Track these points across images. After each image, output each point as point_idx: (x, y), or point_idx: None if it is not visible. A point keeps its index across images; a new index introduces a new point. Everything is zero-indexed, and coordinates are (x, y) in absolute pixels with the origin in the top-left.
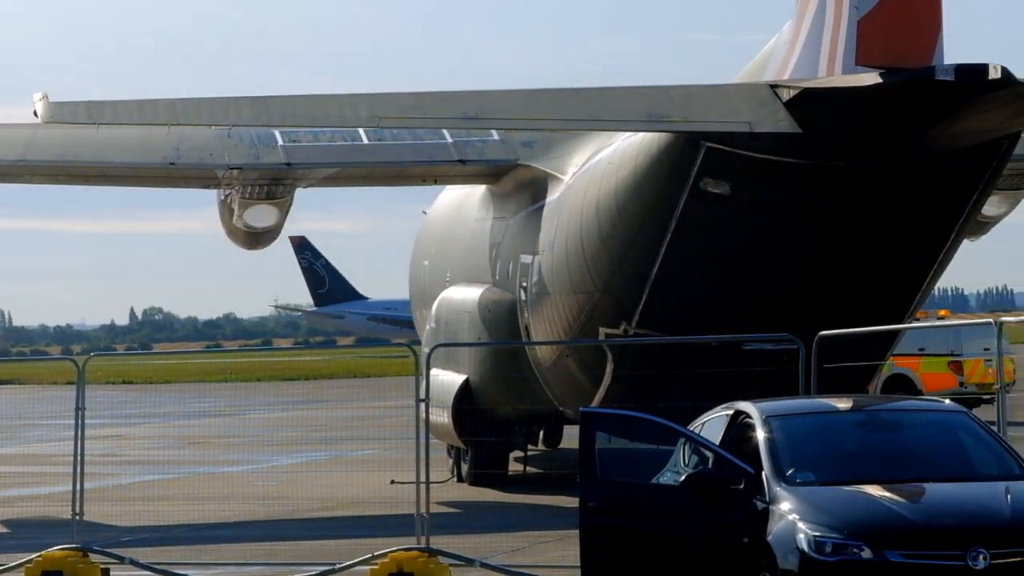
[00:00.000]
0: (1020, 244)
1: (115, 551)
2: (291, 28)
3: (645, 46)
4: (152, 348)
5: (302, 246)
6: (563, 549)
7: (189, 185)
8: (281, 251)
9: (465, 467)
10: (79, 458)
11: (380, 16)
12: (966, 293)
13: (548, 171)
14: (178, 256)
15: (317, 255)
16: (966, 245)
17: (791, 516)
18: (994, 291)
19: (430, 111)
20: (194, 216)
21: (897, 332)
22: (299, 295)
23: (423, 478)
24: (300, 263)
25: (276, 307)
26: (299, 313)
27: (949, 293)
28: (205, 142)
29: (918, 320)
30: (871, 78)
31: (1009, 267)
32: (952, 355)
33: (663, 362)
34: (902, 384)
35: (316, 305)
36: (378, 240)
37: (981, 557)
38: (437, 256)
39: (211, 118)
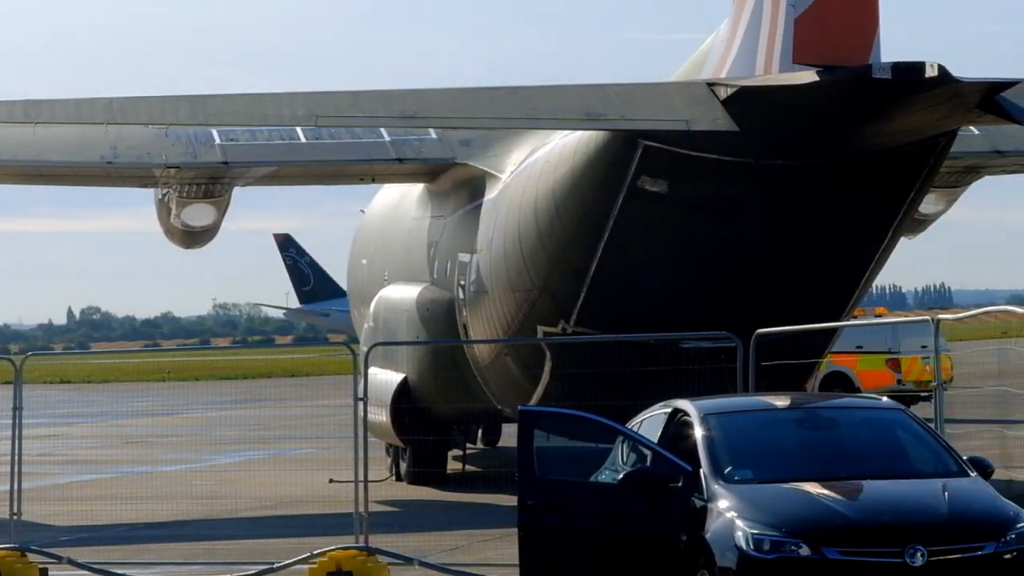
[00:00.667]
0: (958, 242)
1: (53, 551)
2: (229, 27)
3: (583, 44)
4: (90, 347)
5: (286, 244)
6: (502, 548)
7: (127, 184)
8: (220, 249)
9: (404, 466)
10: (16, 458)
11: (318, 15)
12: (904, 291)
13: (486, 169)
14: (116, 255)
15: (301, 252)
16: (904, 243)
17: (729, 514)
18: (932, 289)
19: (368, 110)
20: (132, 215)
21: (835, 330)
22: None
23: (361, 477)
24: (284, 261)
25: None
26: (284, 311)
27: (887, 291)
28: (142, 141)
29: (856, 318)
30: (808, 76)
31: (947, 265)
32: (890, 353)
33: (601, 360)
34: (840, 382)
35: (301, 303)
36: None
37: (919, 554)
38: (375, 255)
39: (148, 117)
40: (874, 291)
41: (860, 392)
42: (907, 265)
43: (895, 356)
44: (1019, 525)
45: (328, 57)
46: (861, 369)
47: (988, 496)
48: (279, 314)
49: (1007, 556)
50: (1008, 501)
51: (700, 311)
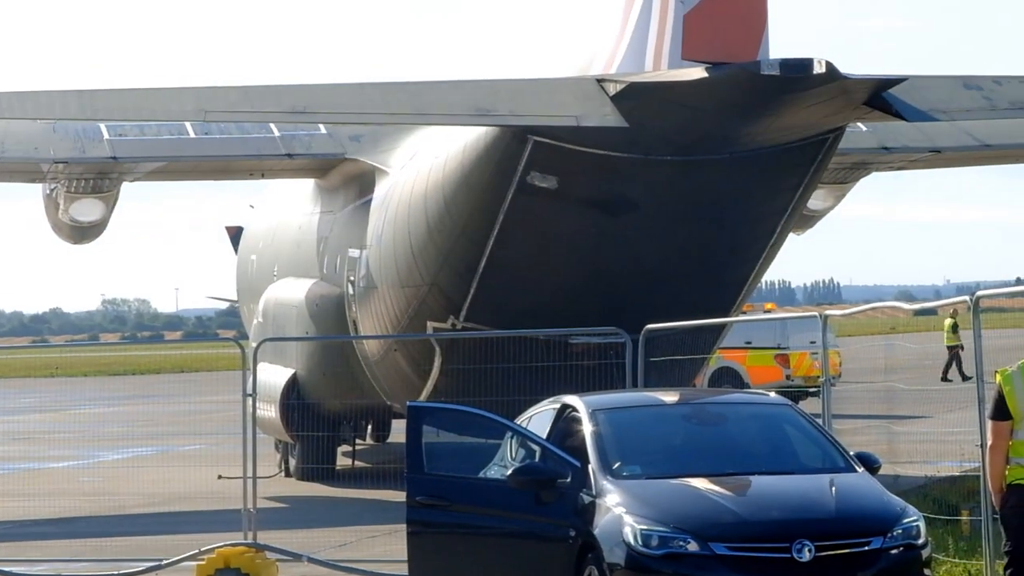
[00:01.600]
0: (846, 238)
1: None
2: (116, 20)
3: (471, 40)
4: None
5: (238, 236)
6: (391, 544)
7: (13, 179)
8: (111, 244)
9: (293, 462)
10: None
11: (207, 9)
12: (793, 286)
13: (375, 165)
14: (3, 250)
15: None
16: (793, 238)
17: (617, 510)
18: (821, 284)
19: (257, 105)
20: (19, 210)
21: (723, 325)
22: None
23: (250, 473)
24: (236, 253)
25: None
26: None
27: (776, 286)
28: (29, 136)
29: (744, 313)
30: (697, 72)
31: (835, 260)
32: (779, 348)
33: (491, 356)
34: (729, 377)
35: None
36: None
37: (806, 549)
38: (265, 251)
39: (35, 112)
40: (763, 286)
41: (749, 388)
42: (796, 261)
43: (784, 352)
44: (905, 520)
45: (218, 51)
46: (750, 365)
47: (875, 491)
48: (172, 309)
49: (893, 551)
50: (894, 496)
51: (590, 306)
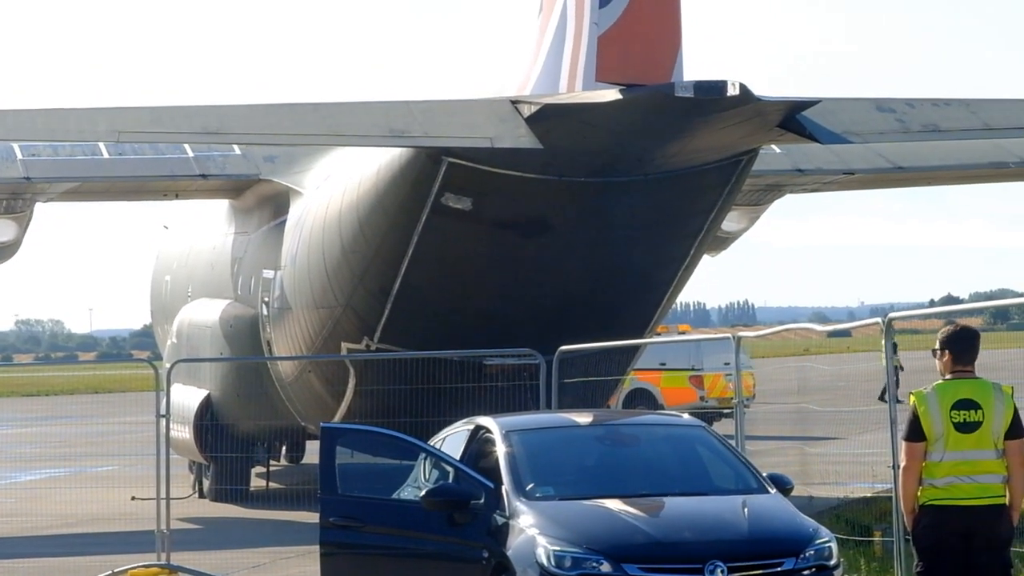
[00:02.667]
0: (760, 260)
1: None
2: (29, 40)
3: (383, 60)
4: None
5: None
6: (304, 565)
7: None
8: (24, 265)
9: (207, 483)
10: None
11: (121, 29)
12: (708, 308)
13: (290, 186)
14: None
15: None
16: (709, 260)
17: (531, 531)
18: (736, 306)
19: (170, 125)
20: None
21: (638, 347)
22: None
23: (164, 494)
24: None
25: None
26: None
27: (692, 308)
28: None
29: (659, 335)
30: (611, 94)
31: (750, 282)
32: (693, 370)
33: (405, 377)
34: (644, 398)
35: None
36: None
37: (719, 570)
38: (179, 271)
39: None
40: (678, 308)
41: (663, 409)
42: (712, 282)
43: (698, 373)
44: (817, 541)
45: (134, 73)
46: (664, 386)
47: (787, 513)
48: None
49: (806, 572)
50: (807, 517)
51: (504, 328)
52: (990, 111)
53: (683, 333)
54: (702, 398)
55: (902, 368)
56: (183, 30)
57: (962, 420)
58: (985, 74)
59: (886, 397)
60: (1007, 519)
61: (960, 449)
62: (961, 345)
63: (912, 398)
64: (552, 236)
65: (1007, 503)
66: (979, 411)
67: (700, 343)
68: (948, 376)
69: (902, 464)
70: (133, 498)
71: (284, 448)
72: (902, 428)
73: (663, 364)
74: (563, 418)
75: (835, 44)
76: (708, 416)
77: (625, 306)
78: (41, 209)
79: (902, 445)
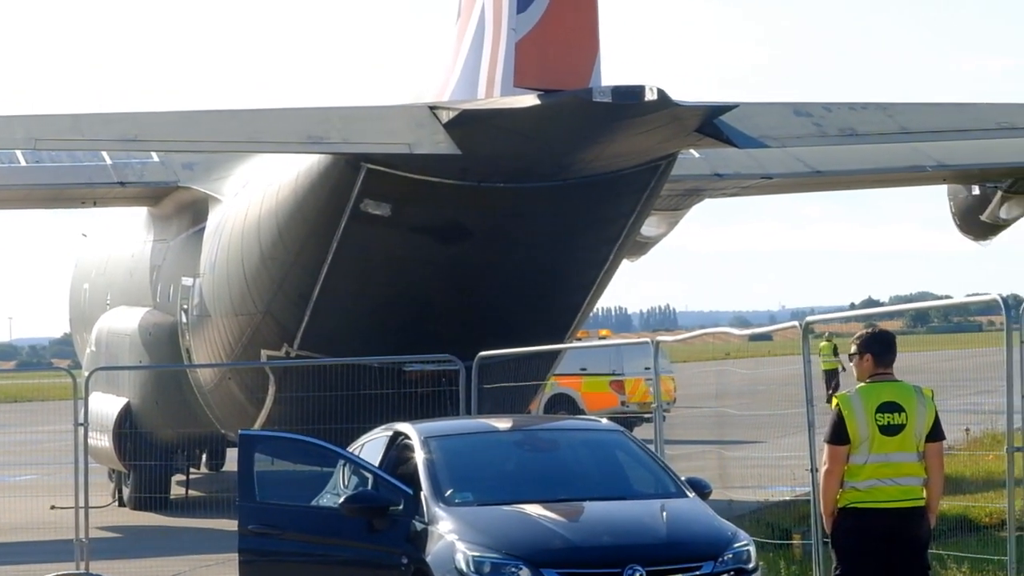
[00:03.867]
0: (682, 264)
1: None
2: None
3: (301, 67)
4: None
5: None
6: (224, 573)
7: None
8: None
9: (127, 491)
10: None
11: (38, 35)
12: (629, 312)
13: (209, 193)
14: None
15: None
16: (630, 265)
17: (450, 536)
18: (657, 311)
19: (88, 133)
20: None
21: (558, 352)
22: None
23: (83, 503)
24: None
25: None
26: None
27: (613, 313)
28: None
29: (579, 340)
30: (529, 100)
31: (672, 287)
32: (614, 374)
33: (325, 384)
34: (565, 403)
35: None
36: None
37: (637, 574)
38: (97, 279)
39: None
40: (599, 313)
41: (584, 414)
42: (633, 287)
43: (619, 378)
44: (736, 545)
45: (51, 80)
46: (585, 391)
47: (705, 516)
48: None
49: (724, 575)
50: (725, 521)
51: (424, 334)
52: (907, 114)
53: (604, 338)
54: (623, 403)
55: (843, 369)
56: (181, 30)
57: (887, 423)
58: (900, 79)
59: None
60: (926, 521)
61: (884, 452)
62: (880, 347)
63: (835, 401)
64: (471, 242)
65: (926, 505)
66: (903, 414)
67: (621, 348)
68: (869, 379)
69: (824, 467)
70: (53, 507)
71: (204, 456)
72: (823, 431)
73: (584, 369)
74: (482, 424)
75: (750, 49)
76: (629, 421)
77: (545, 311)
78: None
79: (824, 448)
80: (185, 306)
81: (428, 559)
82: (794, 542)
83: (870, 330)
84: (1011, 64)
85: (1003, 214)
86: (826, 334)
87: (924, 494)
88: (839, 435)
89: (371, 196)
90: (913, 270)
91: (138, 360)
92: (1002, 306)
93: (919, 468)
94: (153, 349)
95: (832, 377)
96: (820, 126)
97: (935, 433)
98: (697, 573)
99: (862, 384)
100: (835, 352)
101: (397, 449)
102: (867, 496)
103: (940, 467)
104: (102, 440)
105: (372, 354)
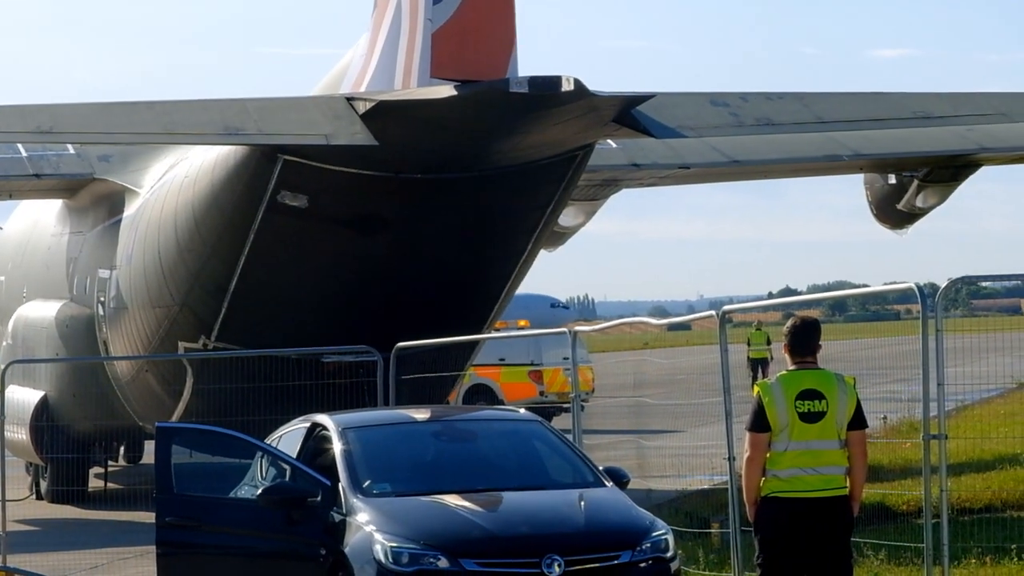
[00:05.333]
0: (599, 254)
1: None
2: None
3: (218, 59)
4: None
5: None
6: (143, 565)
7: None
8: None
9: (44, 484)
10: None
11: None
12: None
13: (125, 185)
14: None
15: None
16: (549, 256)
17: (368, 527)
18: (576, 301)
19: (3, 125)
20: None
21: (476, 342)
22: None
23: (0, 496)
24: None
25: None
26: None
27: None
28: None
29: (498, 330)
30: (445, 90)
31: (591, 277)
32: (532, 364)
33: (243, 376)
34: (484, 394)
35: None
36: None
37: (556, 564)
38: (13, 272)
39: None
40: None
41: (503, 404)
42: (553, 278)
43: (537, 368)
44: (654, 534)
45: None
46: (504, 381)
47: (623, 506)
48: None
49: (642, 564)
50: (643, 510)
51: (342, 325)
52: (823, 104)
53: (522, 328)
54: (542, 393)
55: (772, 358)
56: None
57: (807, 410)
58: (810, 71)
59: (758, 379)
60: (848, 509)
61: (804, 439)
62: (799, 336)
63: (756, 389)
64: (389, 233)
65: (848, 494)
66: (823, 401)
67: (539, 338)
68: (792, 367)
69: (746, 454)
70: None
71: (122, 448)
72: (744, 419)
73: (503, 359)
74: (400, 414)
75: (666, 41)
76: (548, 411)
77: (463, 302)
78: None
79: (746, 436)
80: (102, 298)
81: (346, 550)
82: (712, 531)
83: (793, 320)
84: (905, 55)
85: (919, 203)
86: (755, 323)
87: (846, 483)
88: (759, 422)
89: (288, 187)
90: (831, 259)
91: (55, 353)
92: (918, 295)
93: (841, 456)
94: (70, 342)
95: (762, 366)
96: (737, 116)
97: (857, 421)
98: (615, 562)
99: (783, 372)
100: (768, 341)
101: (315, 440)
102: (788, 485)
103: (863, 455)
104: (19, 433)
105: (290, 345)
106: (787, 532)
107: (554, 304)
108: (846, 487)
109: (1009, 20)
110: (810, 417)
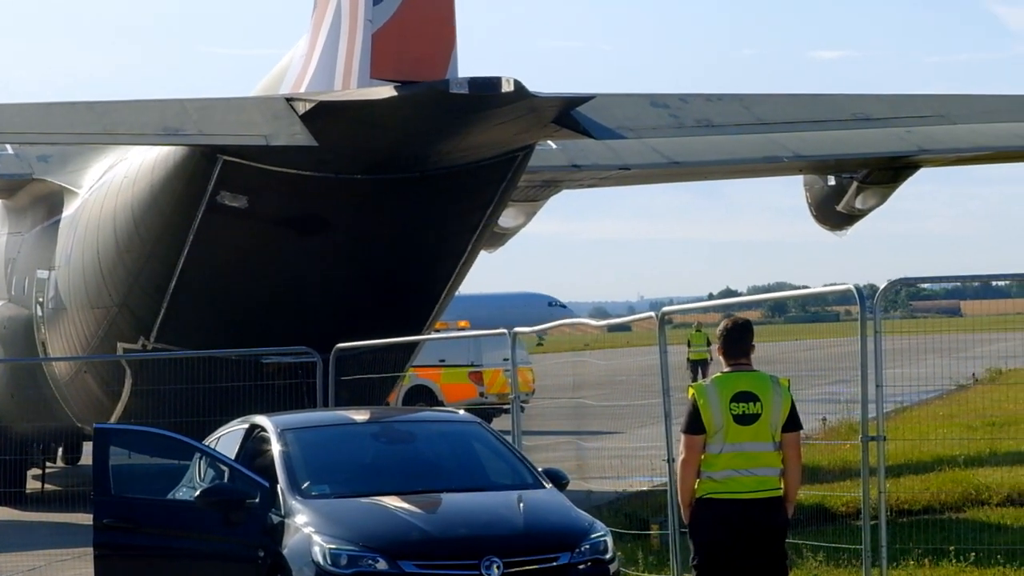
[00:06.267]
0: (539, 255)
1: None
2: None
3: (156, 59)
4: None
5: None
6: (80, 567)
7: None
8: None
9: None
10: None
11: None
12: None
13: (64, 185)
14: None
15: None
16: (489, 257)
17: (306, 529)
18: None
19: None
20: None
21: (416, 343)
22: None
23: None
24: None
25: None
26: None
27: None
28: None
29: (438, 331)
30: (385, 91)
31: (531, 278)
32: (472, 366)
33: (182, 376)
34: (424, 395)
35: None
36: None
37: (495, 566)
38: None
39: None
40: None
41: (444, 405)
42: (493, 279)
43: (478, 369)
44: (592, 535)
45: None
46: (444, 382)
47: (562, 507)
48: None
49: (581, 566)
50: (582, 512)
51: (282, 326)
52: (763, 106)
53: (462, 329)
54: (482, 394)
55: (711, 359)
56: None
57: (741, 412)
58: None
59: (698, 379)
60: (783, 511)
61: (739, 441)
62: (732, 338)
63: (691, 391)
64: (329, 234)
65: (783, 495)
66: (758, 403)
67: (479, 339)
68: (726, 369)
69: (680, 456)
70: None
71: (60, 450)
72: (680, 421)
73: (443, 360)
74: (339, 416)
75: (605, 42)
76: (488, 412)
77: (403, 303)
78: None
79: (680, 438)
80: (40, 299)
81: (285, 552)
82: (652, 532)
83: (726, 321)
84: (845, 56)
85: (859, 204)
86: (695, 324)
87: (781, 484)
88: (694, 424)
89: (227, 188)
90: (771, 260)
91: None
92: (857, 296)
93: (775, 458)
94: (8, 343)
95: (702, 367)
96: (677, 117)
97: (792, 423)
98: (554, 564)
99: (718, 374)
100: (708, 343)
101: (254, 442)
102: (723, 487)
103: (797, 457)
104: None
105: (230, 346)
106: (722, 534)
107: (552, 303)
108: (780, 488)
109: (948, 22)
110: (745, 419)
